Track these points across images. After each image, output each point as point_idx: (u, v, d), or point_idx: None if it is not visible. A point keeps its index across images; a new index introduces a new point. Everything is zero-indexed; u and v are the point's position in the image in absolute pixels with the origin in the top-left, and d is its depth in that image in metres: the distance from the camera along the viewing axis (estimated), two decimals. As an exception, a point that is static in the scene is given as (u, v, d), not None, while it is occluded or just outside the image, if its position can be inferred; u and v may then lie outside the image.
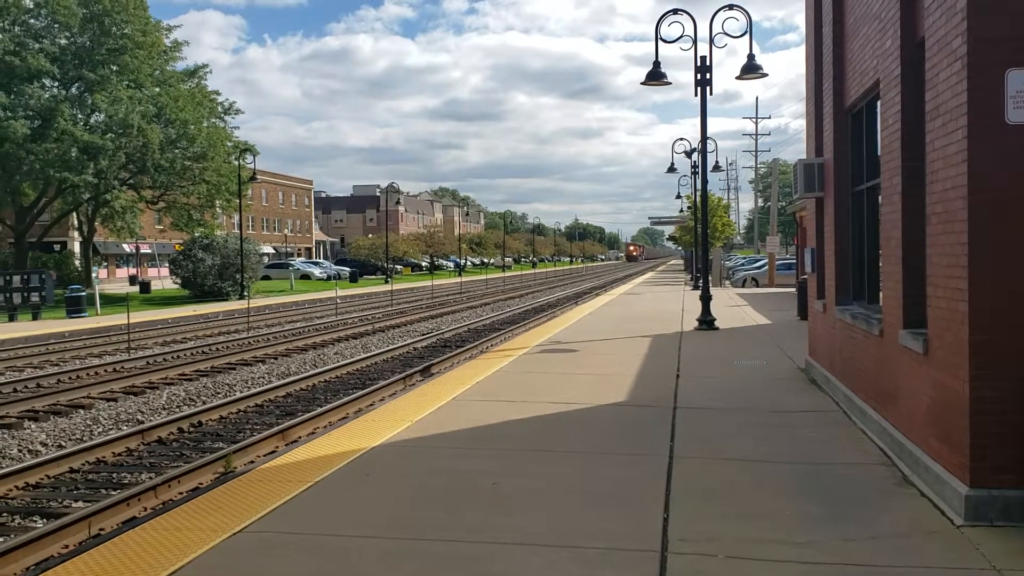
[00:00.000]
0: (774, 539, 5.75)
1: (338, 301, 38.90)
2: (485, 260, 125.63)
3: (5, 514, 8.70)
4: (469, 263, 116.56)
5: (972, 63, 5.89)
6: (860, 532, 5.88)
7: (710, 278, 23.85)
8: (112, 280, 69.56)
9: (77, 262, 57.53)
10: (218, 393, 15.89)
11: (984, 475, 5.95)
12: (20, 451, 11.59)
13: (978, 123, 5.89)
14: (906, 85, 7.64)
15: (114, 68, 48.38)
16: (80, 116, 47.50)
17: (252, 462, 9.80)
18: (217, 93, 54.73)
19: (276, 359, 20.49)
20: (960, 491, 6.04)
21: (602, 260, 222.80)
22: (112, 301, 41.84)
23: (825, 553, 5.49)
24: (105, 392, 15.72)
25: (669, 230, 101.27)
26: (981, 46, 5.87)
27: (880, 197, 8.90)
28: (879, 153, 8.87)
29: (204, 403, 14.76)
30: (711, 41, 19.97)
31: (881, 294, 8.93)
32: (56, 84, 48.89)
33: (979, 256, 5.92)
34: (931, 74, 6.70)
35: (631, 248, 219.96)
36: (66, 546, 7.52)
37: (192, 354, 21.43)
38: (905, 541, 5.76)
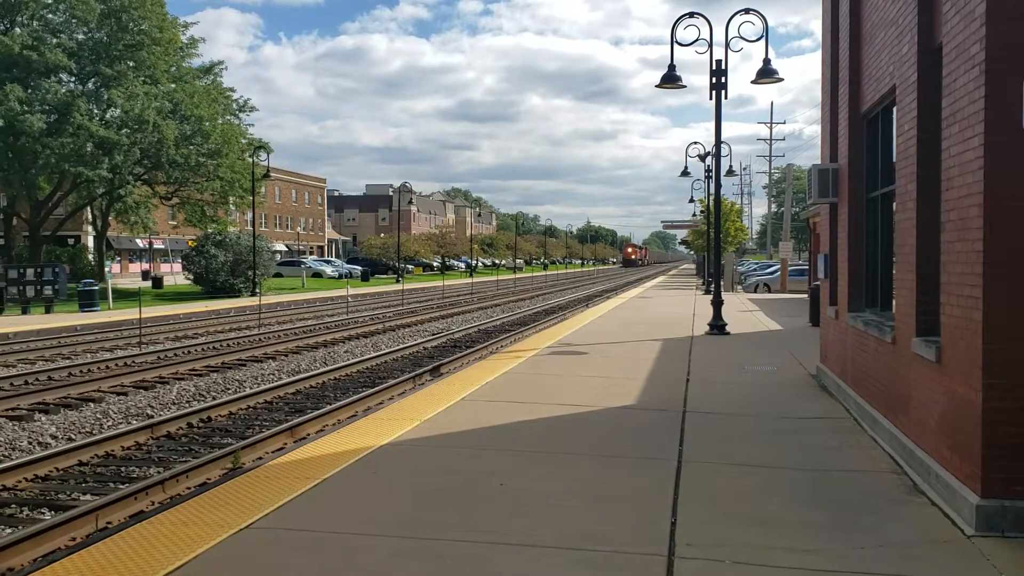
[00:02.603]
0: (782, 546, 5.72)
1: (349, 300, 38.95)
2: (496, 261, 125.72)
3: (14, 505, 8.74)
4: (480, 264, 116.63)
5: (990, 70, 5.84)
6: (868, 540, 5.84)
7: (722, 283, 23.77)
8: (125, 275, 69.84)
9: (90, 256, 57.89)
10: (228, 389, 15.92)
11: (996, 485, 5.89)
12: (30, 443, 11.64)
13: (995, 130, 5.84)
14: (922, 91, 7.59)
15: (130, 64, 48.60)
16: (96, 111, 47.68)
17: (260, 458, 9.79)
18: (232, 90, 55.01)
19: (286, 356, 20.53)
20: (971, 501, 5.99)
21: (614, 263, 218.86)
22: (124, 296, 42.03)
23: (833, 561, 5.45)
24: (115, 386, 15.77)
25: (681, 234, 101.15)
26: (999, 53, 5.82)
27: (895, 204, 8.85)
28: (894, 159, 8.82)
29: (214, 399, 14.80)
30: (727, 45, 19.92)
31: (894, 301, 8.88)
32: (73, 79, 49.16)
33: (994, 264, 5.86)
34: (948, 80, 6.65)
35: (629, 250, 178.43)
36: (73, 538, 7.55)
37: (203, 350, 21.49)
38: (914, 550, 5.71)
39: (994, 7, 5.82)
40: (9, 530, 7.93)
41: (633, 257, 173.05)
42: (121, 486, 9.27)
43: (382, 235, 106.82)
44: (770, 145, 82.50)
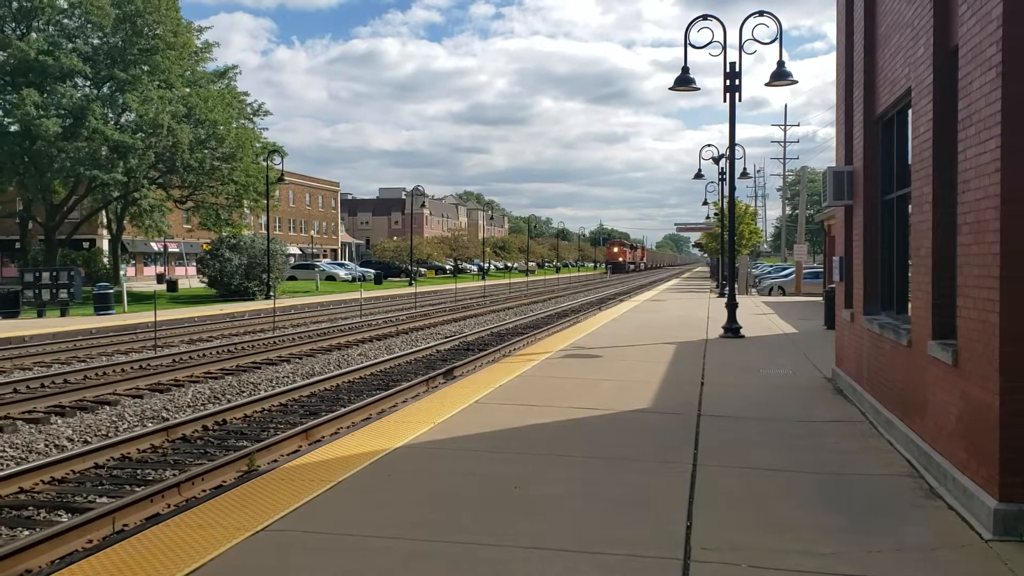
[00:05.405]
0: (797, 549, 5.70)
1: (362, 303, 39.03)
2: (509, 264, 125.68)
3: (31, 508, 8.78)
4: (492, 267, 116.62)
5: (1007, 72, 5.81)
6: (885, 544, 5.81)
7: (736, 286, 23.71)
8: (140, 278, 70.23)
9: (105, 260, 58.18)
10: (243, 392, 15.97)
11: (1014, 489, 5.85)
12: (47, 446, 11.70)
13: (1012, 132, 5.81)
14: (938, 94, 7.56)
15: (145, 68, 48.90)
16: (111, 115, 48.00)
17: (275, 461, 9.83)
18: (246, 94, 55.25)
19: (301, 359, 20.58)
20: (989, 505, 5.96)
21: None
22: (139, 299, 42.23)
23: (849, 564, 5.43)
24: (131, 389, 15.85)
25: (695, 236, 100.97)
26: (1017, 54, 5.79)
27: (910, 206, 8.82)
28: (910, 162, 8.78)
29: (229, 401, 14.85)
30: (740, 47, 19.90)
31: (910, 304, 8.84)
32: (88, 83, 49.49)
33: (1011, 267, 5.83)
34: (964, 83, 6.62)
35: (615, 250, 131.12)
36: (90, 541, 7.58)
37: (217, 352, 21.56)
38: (931, 554, 5.68)
39: (1011, 9, 5.79)
40: (27, 532, 7.98)
41: (621, 260, 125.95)
42: (137, 489, 9.31)
43: (395, 238, 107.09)
44: (784, 147, 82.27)
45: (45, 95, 44.77)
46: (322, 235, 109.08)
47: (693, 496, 6.91)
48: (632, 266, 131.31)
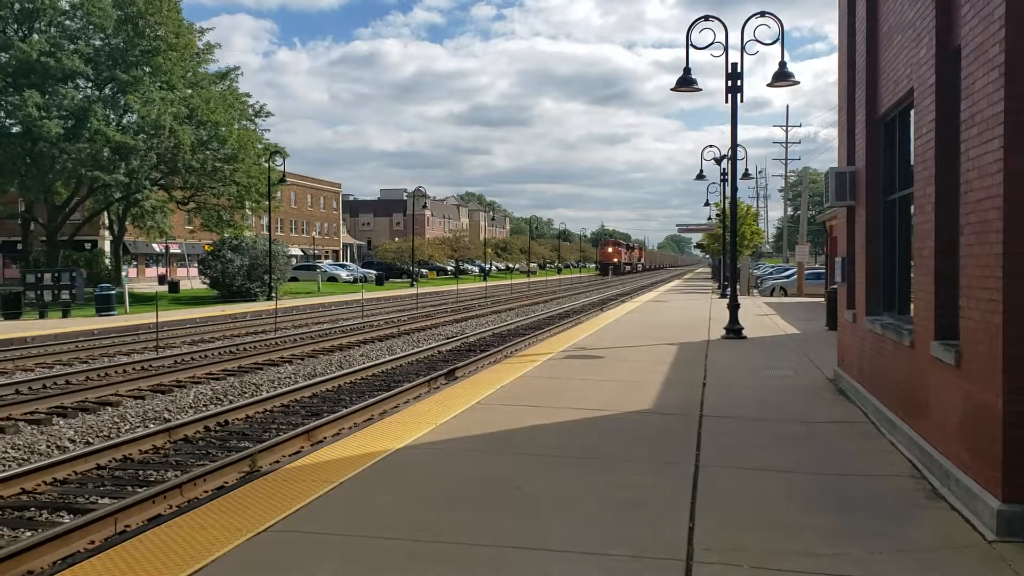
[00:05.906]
0: (800, 551, 5.69)
1: (364, 303, 39.04)
2: (510, 265, 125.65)
3: (33, 509, 8.78)
4: (494, 268, 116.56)
5: (1009, 72, 5.81)
6: (887, 545, 5.80)
7: (738, 286, 23.70)
8: (141, 279, 70.21)
9: (107, 261, 58.13)
10: (245, 392, 15.97)
11: (1017, 490, 5.84)
12: (48, 447, 11.70)
13: (1015, 133, 5.80)
14: (941, 94, 7.55)
15: (147, 69, 48.89)
16: (113, 116, 48.01)
17: (277, 462, 9.83)
18: (248, 95, 55.16)
19: (302, 360, 20.58)
20: (992, 506, 5.95)
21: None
22: (141, 300, 42.25)
23: (851, 566, 5.42)
24: (133, 390, 15.85)
25: (697, 238, 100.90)
26: (1019, 55, 5.78)
27: (913, 207, 8.81)
28: (912, 162, 8.78)
29: (231, 402, 14.85)
30: (742, 48, 19.92)
31: (913, 304, 8.83)
32: (90, 85, 49.49)
33: (1014, 267, 5.82)
34: (967, 83, 6.62)
35: (609, 250, 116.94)
36: (92, 542, 7.58)
37: (219, 353, 21.57)
38: (934, 555, 5.67)
39: (1013, 9, 5.79)
40: (29, 533, 7.98)
41: (616, 260, 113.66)
42: (139, 490, 9.31)
43: (396, 239, 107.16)
44: (786, 148, 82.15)
45: (47, 96, 44.78)
46: (323, 236, 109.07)
47: (695, 497, 6.90)
48: (628, 267, 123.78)
